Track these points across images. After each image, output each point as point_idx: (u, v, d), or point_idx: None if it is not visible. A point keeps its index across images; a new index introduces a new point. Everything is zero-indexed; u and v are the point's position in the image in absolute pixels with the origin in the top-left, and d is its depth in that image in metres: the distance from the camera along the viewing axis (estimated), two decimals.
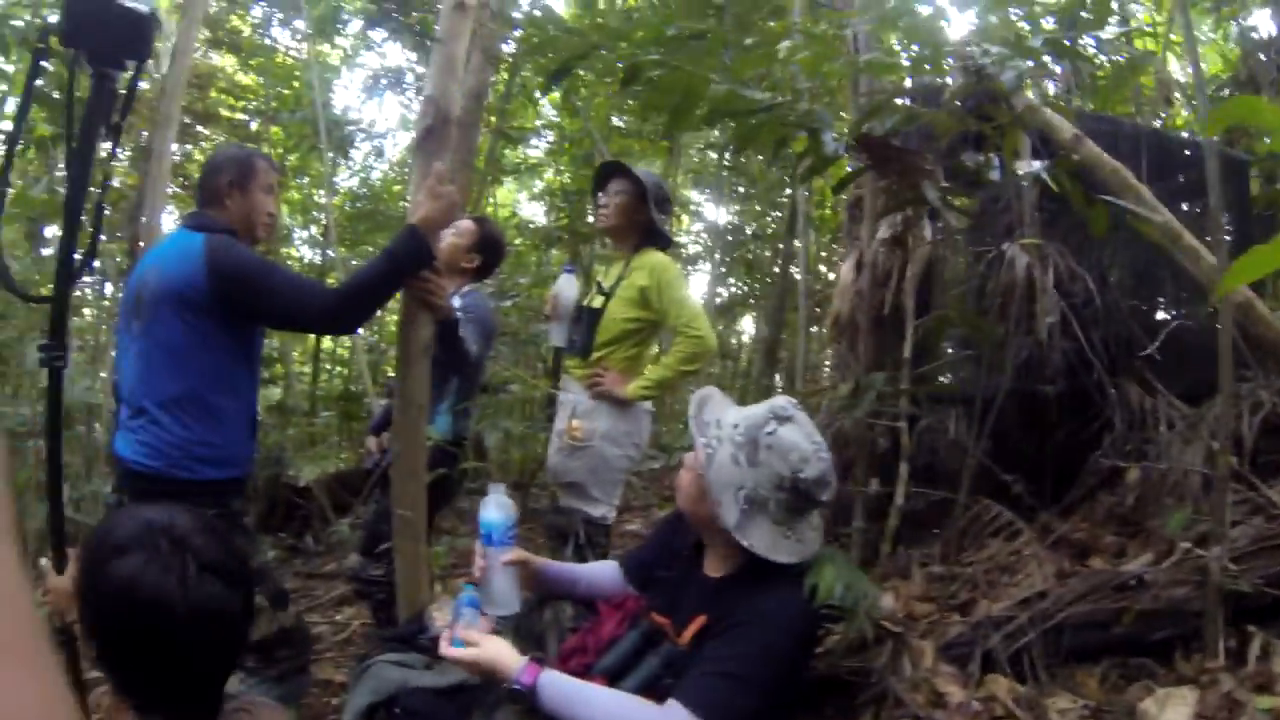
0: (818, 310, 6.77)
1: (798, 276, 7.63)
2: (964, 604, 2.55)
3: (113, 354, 6.49)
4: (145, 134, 6.67)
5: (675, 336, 2.93)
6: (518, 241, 7.54)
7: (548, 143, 8.34)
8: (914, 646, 2.10)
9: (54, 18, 1.96)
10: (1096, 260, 3.17)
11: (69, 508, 1.93)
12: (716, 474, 1.59)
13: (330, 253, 8.05)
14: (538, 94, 7.67)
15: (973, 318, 2.64)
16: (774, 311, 7.64)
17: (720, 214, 9.25)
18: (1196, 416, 2.71)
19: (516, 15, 5.35)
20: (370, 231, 7.90)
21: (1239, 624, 2.06)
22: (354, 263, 7.24)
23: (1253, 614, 2.06)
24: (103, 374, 6.41)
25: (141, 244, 6.31)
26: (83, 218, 1.65)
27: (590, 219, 6.63)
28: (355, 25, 8.14)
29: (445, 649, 1.55)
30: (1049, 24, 2.70)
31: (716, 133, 6.91)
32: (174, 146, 6.42)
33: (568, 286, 3.08)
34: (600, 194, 3.11)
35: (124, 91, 1.71)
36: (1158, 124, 4.58)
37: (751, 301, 8.43)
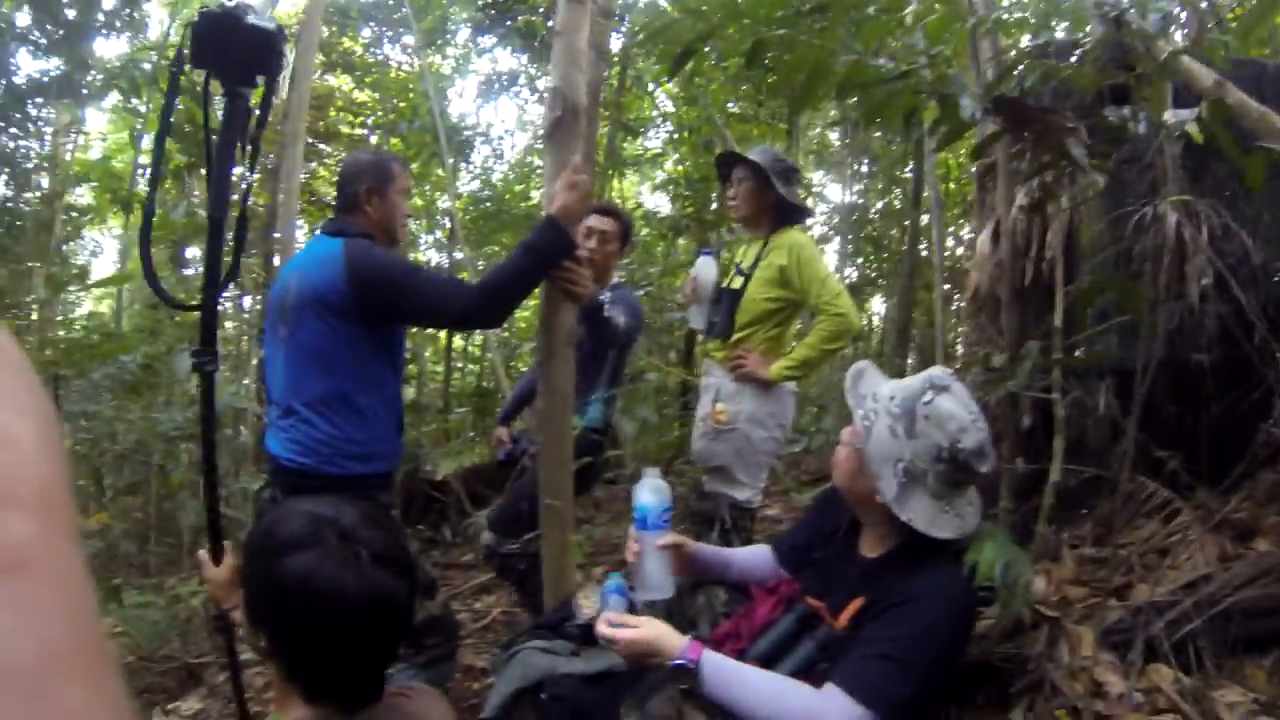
0: (946, 287, 6.53)
1: (924, 253, 7.42)
2: (1120, 588, 2.40)
3: (254, 362, 6.95)
4: (272, 156, 7.07)
5: (817, 315, 2.88)
6: (644, 232, 7.58)
7: (665, 132, 8.37)
8: (1071, 632, 1.99)
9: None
10: (1249, 216, 2.92)
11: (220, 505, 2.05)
12: (875, 447, 1.55)
13: (458, 254, 8.32)
14: (651, 85, 7.70)
15: (1123, 283, 2.47)
16: (904, 290, 7.43)
17: (844, 193, 9.12)
18: None
19: (620, 11, 5.38)
20: (495, 231, 8.12)
21: None
22: (480, 264, 7.46)
23: None
24: (246, 380, 6.84)
25: (276, 258, 6.73)
26: (226, 231, 1.71)
27: (714, 206, 6.63)
28: (463, 34, 8.41)
29: (603, 630, 1.55)
30: None
31: (833, 111, 6.76)
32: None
33: (707, 269, 3.07)
34: (727, 186, 3.09)
35: (257, 108, 1.78)
36: None
37: (880, 281, 8.22)
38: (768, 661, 1.56)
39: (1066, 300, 2.51)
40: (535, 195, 9.07)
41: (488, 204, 8.46)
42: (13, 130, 6.97)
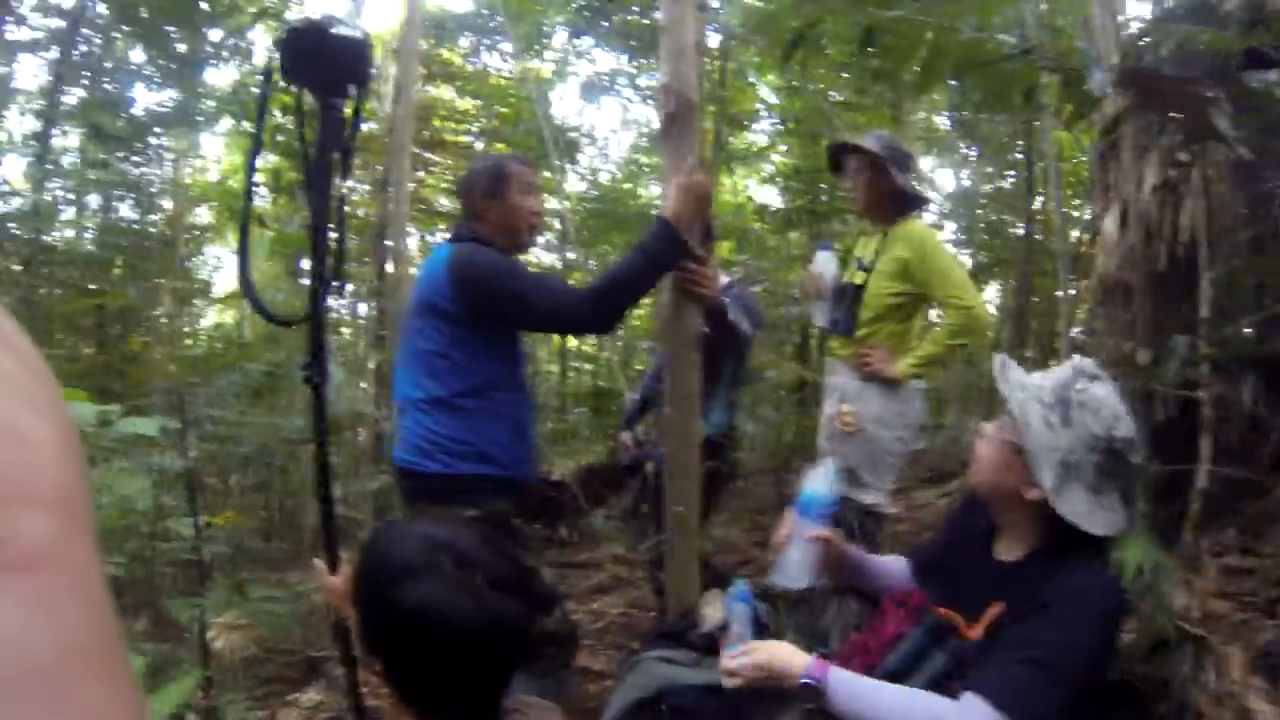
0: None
1: (1038, 238, 7.05)
2: (1271, 602, 2.20)
3: (370, 366, 7.25)
4: (381, 168, 7.36)
5: (943, 309, 2.76)
6: (756, 226, 7.48)
7: (771, 123, 8.23)
8: (1219, 653, 1.82)
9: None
10: None
11: (339, 505, 2.09)
12: (1034, 440, 1.46)
13: (570, 255, 8.43)
14: (751, 77, 7.60)
15: (1277, 266, 2.25)
16: (1021, 277, 7.08)
17: (954, 180, 8.79)
18: None
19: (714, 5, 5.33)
20: (606, 230, 8.16)
21: None
22: (592, 263, 7.53)
23: None
24: (363, 384, 7.13)
25: (389, 267, 7.01)
26: (328, 243, 1.72)
27: (825, 197, 6.49)
28: (560, 37, 8.54)
29: (726, 665, 1.49)
30: None
31: (939, 95, 6.50)
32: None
33: (827, 264, 2.97)
34: (840, 177, 3.00)
35: (350, 116, 1.79)
36: None
37: (995, 269, 7.85)
38: (898, 676, 1.48)
39: (1213, 287, 2.30)
40: (643, 193, 9.10)
41: (596, 204, 8.50)
42: (136, 159, 7.52)
